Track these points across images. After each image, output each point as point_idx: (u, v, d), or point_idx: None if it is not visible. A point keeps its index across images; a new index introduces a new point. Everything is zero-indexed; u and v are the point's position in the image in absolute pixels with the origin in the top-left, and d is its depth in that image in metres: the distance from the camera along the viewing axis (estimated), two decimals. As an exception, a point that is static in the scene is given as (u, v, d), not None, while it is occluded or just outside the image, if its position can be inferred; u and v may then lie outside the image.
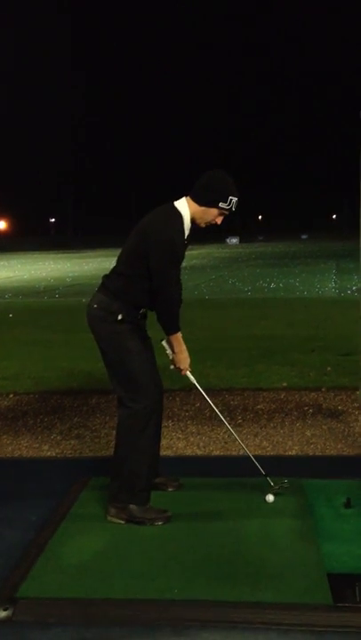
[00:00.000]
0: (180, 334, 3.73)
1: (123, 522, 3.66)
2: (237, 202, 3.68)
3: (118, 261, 3.77)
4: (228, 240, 70.45)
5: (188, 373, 3.87)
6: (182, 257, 3.71)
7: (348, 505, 3.81)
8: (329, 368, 7.60)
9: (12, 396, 6.84)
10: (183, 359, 3.79)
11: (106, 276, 3.79)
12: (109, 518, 3.70)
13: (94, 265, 34.80)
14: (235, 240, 71.87)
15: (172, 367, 3.87)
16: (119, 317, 3.63)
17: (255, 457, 4.05)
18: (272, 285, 21.12)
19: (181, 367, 3.82)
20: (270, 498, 3.89)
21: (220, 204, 3.64)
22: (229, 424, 5.54)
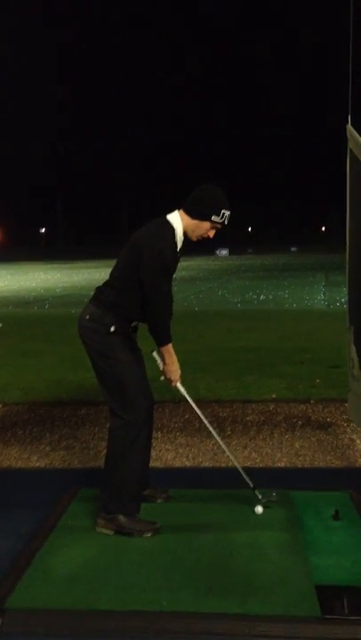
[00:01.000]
0: (170, 346, 3.74)
1: (111, 533, 3.66)
2: (230, 216, 3.71)
3: (111, 274, 3.79)
4: (217, 252, 70.66)
5: (179, 385, 3.88)
6: (173, 269, 3.73)
7: (336, 517, 3.82)
8: (318, 380, 7.63)
9: (0, 406, 6.82)
10: (174, 371, 3.80)
11: (98, 288, 3.81)
12: (98, 529, 3.70)
13: (84, 276, 34.79)
14: (224, 252, 72.09)
15: (162, 378, 3.87)
16: (112, 329, 3.64)
17: (244, 469, 4.06)
18: (261, 297, 21.18)
19: (172, 379, 3.84)
20: (259, 509, 3.90)
21: (213, 218, 3.67)
22: (218, 436, 5.55)
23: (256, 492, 3.94)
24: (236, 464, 4.03)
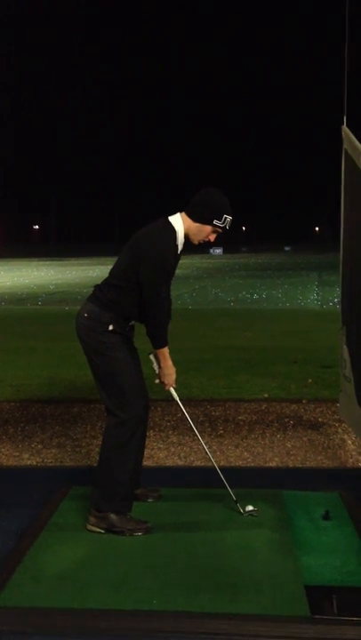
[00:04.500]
0: (166, 349, 3.75)
1: (102, 531, 3.66)
2: (231, 221, 3.72)
3: (111, 273, 3.79)
4: (211, 250, 70.56)
5: (172, 389, 3.88)
6: (173, 272, 3.73)
7: (326, 517, 3.83)
8: (310, 380, 7.65)
9: (-8, 403, 6.80)
10: (168, 375, 3.81)
11: (97, 287, 3.81)
12: (89, 527, 3.70)
13: (78, 273, 34.70)
14: (218, 251, 72.02)
15: (157, 381, 3.87)
16: (109, 328, 3.64)
17: (236, 468, 4.05)
18: (255, 296, 21.19)
19: (165, 382, 3.84)
20: (249, 508, 3.90)
21: (215, 222, 3.68)
22: (210, 435, 5.55)
23: (238, 505, 3.91)
24: (221, 476, 3.95)
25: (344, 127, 5.22)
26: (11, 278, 31.48)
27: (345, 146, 5.23)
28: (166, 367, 3.79)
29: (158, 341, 3.72)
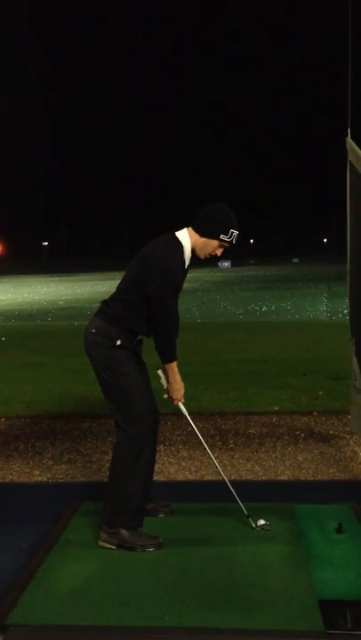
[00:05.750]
0: (175, 364, 3.74)
1: (114, 547, 3.65)
2: (238, 235, 3.74)
3: (118, 288, 3.80)
4: (219, 264, 70.65)
5: (181, 404, 3.87)
6: (180, 287, 3.74)
7: (339, 530, 3.80)
8: (320, 392, 7.62)
9: (3, 420, 6.81)
10: (177, 390, 3.80)
11: (104, 302, 3.82)
12: (101, 543, 3.68)
13: (87, 289, 34.83)
14: (226, 264, 72.10)
15: (165, 396, 3.87)
16: (117, 343, 3.65)
17: (247, 482, 4.03)
18: (264, 309, 21.17)
19: (174, 397, 3.83)
20: (261, 522, 3.87)
21: (222, 237, 3.70)
22: (220, 449, 5.54)
23: (250, 519, 3.89)
24: (232, 490, 3.93)
25: (348, 139, 5.25)
26: (21, 295, 31.62)
27: (350, 157, 5.25)
28: (175, 382, 3.78)
29: (167, 355, 3.72)
